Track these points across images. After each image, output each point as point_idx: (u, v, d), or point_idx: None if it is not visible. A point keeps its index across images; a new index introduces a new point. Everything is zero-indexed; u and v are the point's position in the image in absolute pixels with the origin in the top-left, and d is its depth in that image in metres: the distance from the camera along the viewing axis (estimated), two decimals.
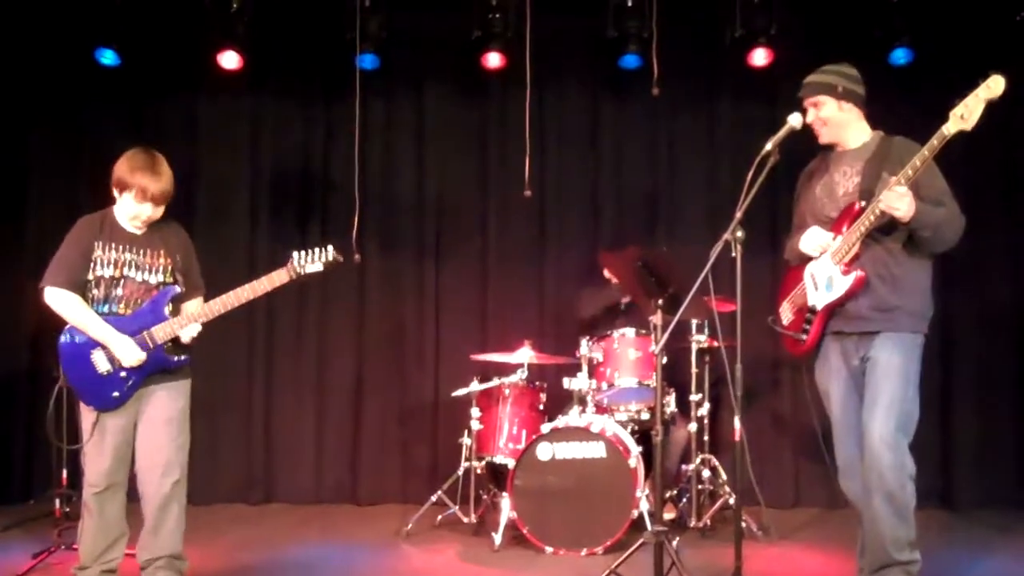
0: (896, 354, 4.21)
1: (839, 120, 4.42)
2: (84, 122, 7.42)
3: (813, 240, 4.40)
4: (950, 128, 3.93)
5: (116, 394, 4.46)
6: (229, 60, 6.89)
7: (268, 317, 7.25)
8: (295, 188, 7.46)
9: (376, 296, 7.28)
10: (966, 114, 3.89)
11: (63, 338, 4.54)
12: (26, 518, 6.50)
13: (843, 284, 4.25)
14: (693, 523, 5.95)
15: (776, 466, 6.94)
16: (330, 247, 4.61)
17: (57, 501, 6.34)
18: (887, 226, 4.20)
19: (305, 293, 7.23)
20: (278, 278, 4.55)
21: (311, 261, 4.59)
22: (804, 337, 4.43)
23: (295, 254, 4.57)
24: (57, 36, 7.10)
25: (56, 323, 6.83)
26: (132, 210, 4.52)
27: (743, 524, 4.41)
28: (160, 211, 4.57)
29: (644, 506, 5.54)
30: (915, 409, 4.23)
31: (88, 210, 6.96)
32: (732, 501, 5.82)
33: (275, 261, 7.14)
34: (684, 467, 6.19)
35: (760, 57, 6.74)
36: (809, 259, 4.42)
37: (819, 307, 4.35)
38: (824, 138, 4.49)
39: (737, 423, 4.12)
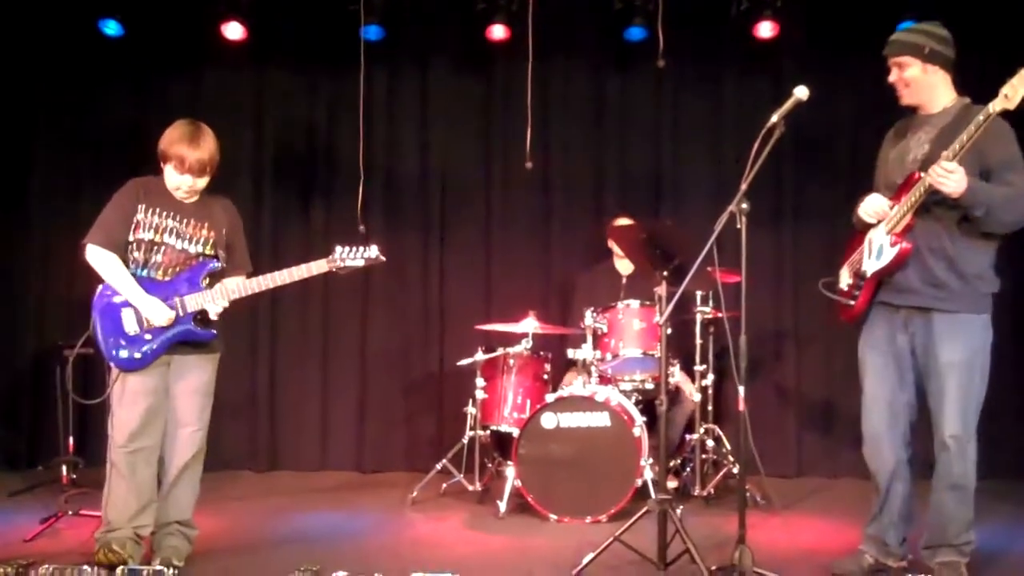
0: (957, 349, 4.14)
1: (922, 83, 4.26)
2: (88, 92, 7.43)
3: (869, 206, 4.34)
4: (995, 106, 3.86)
5: (138, 355, 4.51)
6: (233, 31, 6.91)
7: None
8: (299, 160, 7.48)
9: (381, 267, 7.27)
10: (1010, 93, 3.81)
11: (97, 294, 4.59)
12: (33, 484, 6.54)
13: (889, 254, 4.21)
14: (697, 492, 6.01)
15: (779, 437, 6.99)
16: (374, 246, 4.65)
17: (64, 468, 6.41)
18: (944, 200, 4.09)
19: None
20: (317, 268, 4.61)
21: (353, 256, 4.62)
22: (852, 303, 4.42)
23: (338, 248, 4.62)
24: (61, 5, 7.10)
25: (63, 291, 6.97)
26: (174, 181, 4.57)
27: (746, 494, 4.45)
28: (203, 181, 4.61)
29: (648, 475, 5.59)
30: (982, 391, 4.20)
31: (92, 181, 7.11)
32: (735, 471, 5.87)
33: (279, 234, 7.32)
34: (688, 437, 6.24)
35: (766, 30, 6.75)
36: (874, 224, 4.36)
37: (868, 274, 4.33)
38: (905, 99, 4.34)
39: (741, 393, 4.15)
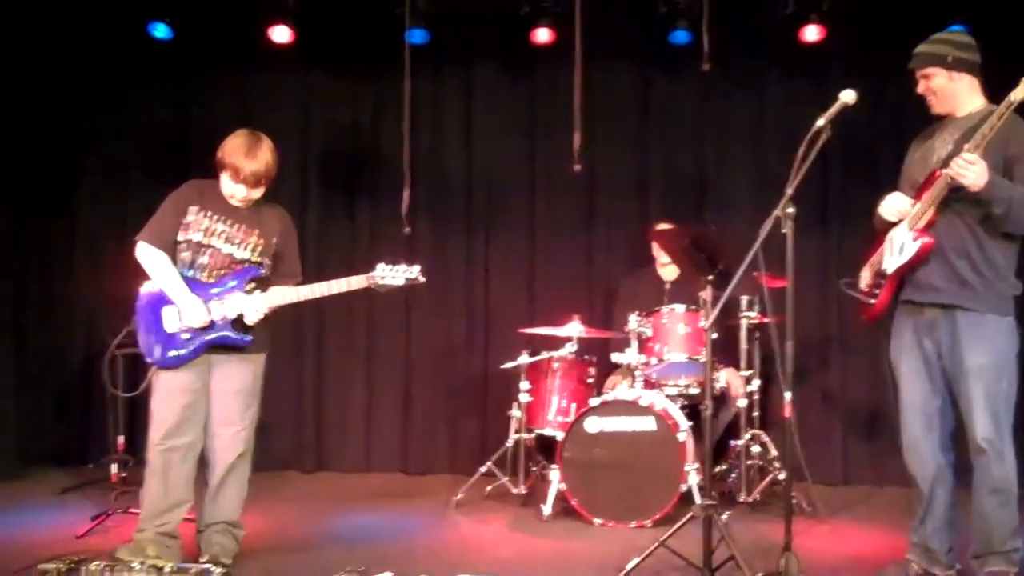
0: (982, 353, 4.12)
1: (949, 91, 4.27)
2: (136, 95, 7.52)
3: (891, 205, 4.35)
4: (1017, 94, 3.87)
5: (173, 353, 4.58)
6: (280, 35, 6.97)
7: None
8: (344, 162, 7.54)
9: (425, 269, 7.26)
10: None
11: (143, 290, 4.67)
12: (84, 482, 6.64)
13: (911, 249, 4.19)
14: (742, 498, 5.97)
15: (825, 444, 6.91)
16: (416, 266, 4.69)
17: (114, 466, 6.48)
18: (966, 198, 4.09)
19: (356, 266, 7.31)
20: (356, 283, 4.66)
21: (393, 276, 4.66)
22: (872, 301, 4.41)
23: (380, 265, 4.66)
24: (110, 8, 7.19)
25: (110, 291, 7.05)
26: (228, 189, 4.64)
27: (793, 500, 4.43)
28: (257, 192, 4.68)
29: (693, 480, 5.57)
30: (1012, 393, 4.18)
31: (138, 183, 7.20)
32: (781, 477, 5.84)
33: (324, 236, 7.36)
34: (733, 443, 6.21)
35: (812, 33, 6.69)
36: (895, 224, 4.35)
37: (889, 271, 4.31)
38: (936, 108, 4.35)
39: (787, 399, 4.13)
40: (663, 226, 6.47)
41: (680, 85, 7.27)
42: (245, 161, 4.57)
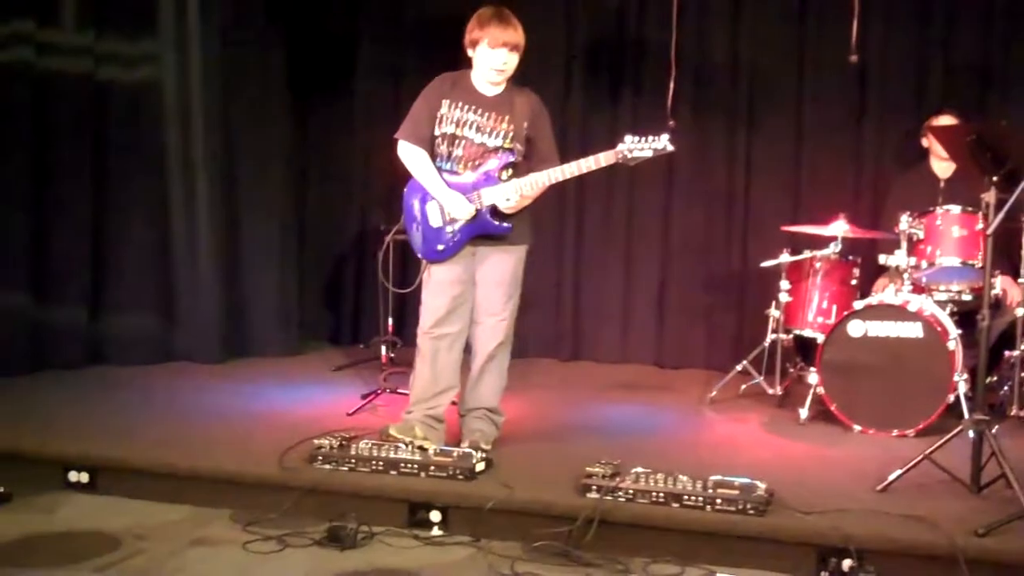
0: None
1: None
2: None
3: None
4: None
5: (441, 247, 4.74)
6: None
7: (578, 180, 7.37)
8: (609, 53, 7.47)
9: (686, 163, 7.18)
10: None
11: (407, 188, 4.84)
12: (356, 361, 7.01)
13: None
14: (1013, 412, 5.65)
15: None
16: (665, 135, 4.53)
17: (383, 348, 6.81)
18: None
19: None
20: (605, 159, 4.59)
21: (641, 147, 4.54)
22: None
23: (627, 137, 4.56)
24: None
25: (385, 179, 7.37)
26: (488, 60, 4.65)
27: None
28: (514, 60, 4.68)
29: (962, 391, 5.34)
30: None
31: (409, 74, 7.39)
32: None
33: (587, 125, 7.37)
34: (1007, 353, 5.87)
35: None
36: None
37: None
38: None
39: None
40: (942, 120, 6.10)
41: None
42: (500, 28, 4.60)
